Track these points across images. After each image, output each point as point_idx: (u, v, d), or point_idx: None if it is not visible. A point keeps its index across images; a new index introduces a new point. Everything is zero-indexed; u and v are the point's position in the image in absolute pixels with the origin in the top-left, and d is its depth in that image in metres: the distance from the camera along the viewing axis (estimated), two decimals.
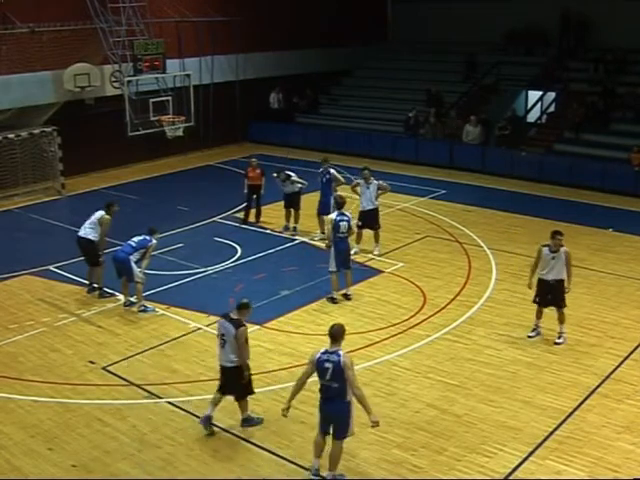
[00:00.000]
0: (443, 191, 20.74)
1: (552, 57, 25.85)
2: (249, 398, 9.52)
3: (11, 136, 20.11)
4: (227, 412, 9.86)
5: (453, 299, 13.40)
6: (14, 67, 20.42)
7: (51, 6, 20.98)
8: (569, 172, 20.96)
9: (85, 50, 21.68)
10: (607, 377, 10.61)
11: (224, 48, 26.00)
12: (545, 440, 9.13)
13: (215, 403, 9.46)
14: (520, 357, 11.24)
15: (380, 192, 15.56)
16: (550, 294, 11.60)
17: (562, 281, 11.49)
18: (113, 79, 22.49)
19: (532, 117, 24.69)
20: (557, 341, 11.60)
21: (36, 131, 20.58)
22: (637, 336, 11.85)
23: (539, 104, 24.71)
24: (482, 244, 16.24)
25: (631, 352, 11.35)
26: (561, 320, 11.66)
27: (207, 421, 9.41)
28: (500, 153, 22.85)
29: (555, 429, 9.36)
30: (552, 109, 24.56)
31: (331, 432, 8.33)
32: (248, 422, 9.57)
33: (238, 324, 9.07)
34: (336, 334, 8.22)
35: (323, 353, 8.14)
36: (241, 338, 9.02)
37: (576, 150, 21.78)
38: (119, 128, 21.83)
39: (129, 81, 22.19)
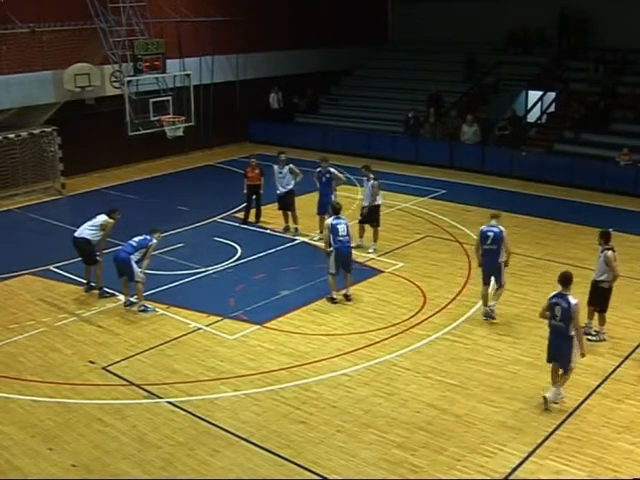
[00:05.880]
0: (443, 191, 20.73)
1: (552, 57, 25.87)
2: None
3: (11, 136, 20.10)
4: (227, 412, 9.88)
5: (453, 299, 13.39)
6: (14, 67, 20.42)
7: (51, 6, 20.97)
8: (569, 172, 20.95)
9: (85, 50, 21.69)
10: (607, 377, 10.62)
11: (224, 48, 26.00)
12: (545, 440, 9.14)
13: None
14: (520, 357, 11.24)
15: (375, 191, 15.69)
16: (592, 294, 11.84)
17: (598, 282, 11.66)
18: (113, 79, 22.48)
19: (532, 117, 24.69)
20: (589, 337, 11.71)
21: (36, 131, 20.57)
22: (637, 336, 11.86)
23: (539, 104, 24.72)
24: None
25: (631, 352, 11.36)
26: (599, 321, 11.81)
27: None
28: (500, 153, 22.83)
29: (555, 429, 9.36)
30: (552, 109, 24.56)
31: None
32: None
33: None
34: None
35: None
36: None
37: (576, 150, 21.77)
38: (119, 128, 21.84)
39: (129, 81, 22.18)
